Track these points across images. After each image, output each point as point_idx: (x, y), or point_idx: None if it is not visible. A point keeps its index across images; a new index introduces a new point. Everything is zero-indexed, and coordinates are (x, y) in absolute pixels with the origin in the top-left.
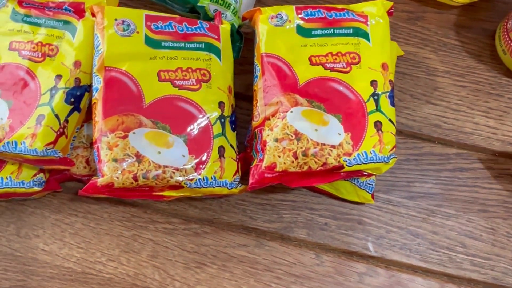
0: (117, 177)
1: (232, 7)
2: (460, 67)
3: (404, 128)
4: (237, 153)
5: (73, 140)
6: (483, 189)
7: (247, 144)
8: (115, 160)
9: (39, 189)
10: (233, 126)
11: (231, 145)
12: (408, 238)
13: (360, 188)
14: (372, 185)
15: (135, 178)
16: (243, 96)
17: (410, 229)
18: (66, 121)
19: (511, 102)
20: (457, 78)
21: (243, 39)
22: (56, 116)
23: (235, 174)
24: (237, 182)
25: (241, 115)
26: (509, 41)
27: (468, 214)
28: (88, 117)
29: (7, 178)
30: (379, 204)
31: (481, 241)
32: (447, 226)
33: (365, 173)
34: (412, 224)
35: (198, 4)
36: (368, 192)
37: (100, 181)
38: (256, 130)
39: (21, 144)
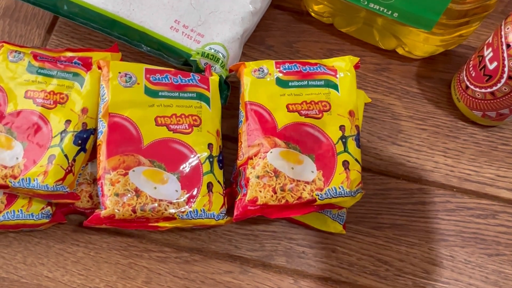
0: (118, 210)
1: (220, 61)
2: (421, 112)
3: (372, 166)
4: (223, 188)
5: (78, 177)
6: (443, 221)
7: (232, 180)
8: (117, 195)
9: (47, 220)
10: (220, 165)
11: (218, 181)
12: (377, 264)
13: (333, 219)
14: (343, 216)
15: (133, 211)
16: (230, 137)
17: (378, 257)
18: (74, 160)
19: (466, 143)
20: (419, 122)
21: (230, 88)
22: (65, 156)
23: (221, 207)
24: (223, 214)
25: (228, 154)
26: (462, 90)
27: (429, 243)
28: (92, 157)
29: (18, 211)
30: (350, 234)
31: (441, 267)
32: (411, 254)
33: (335, 206)
34: (380, 252)
35: (191, 59)
36: (339, 223)
37: (103, 213)
38: (240, 168)
39: (34, 180)
